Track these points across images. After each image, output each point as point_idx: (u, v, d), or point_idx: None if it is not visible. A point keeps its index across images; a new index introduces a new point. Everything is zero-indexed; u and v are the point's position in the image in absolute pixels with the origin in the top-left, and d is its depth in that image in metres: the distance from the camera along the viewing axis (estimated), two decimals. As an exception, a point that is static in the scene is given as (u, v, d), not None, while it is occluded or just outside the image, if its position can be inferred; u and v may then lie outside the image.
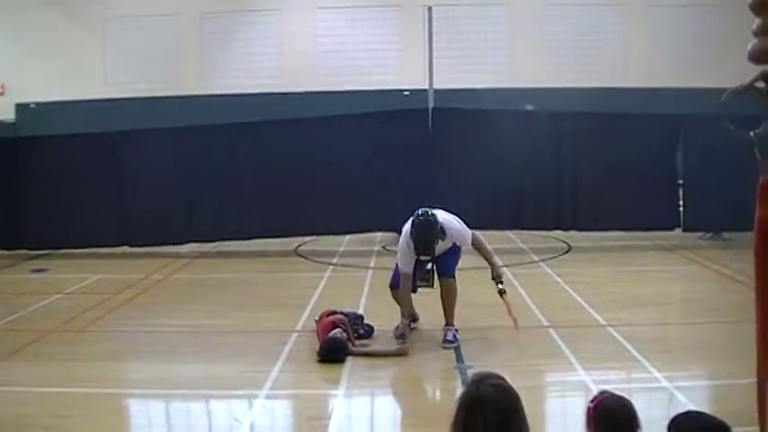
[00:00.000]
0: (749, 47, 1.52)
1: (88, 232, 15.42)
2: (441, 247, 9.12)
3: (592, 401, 3.90)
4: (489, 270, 9.30)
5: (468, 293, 11.65)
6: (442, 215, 9.19)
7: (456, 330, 9.16)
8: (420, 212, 9.03)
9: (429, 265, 9.28)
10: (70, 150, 15.86)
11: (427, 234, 8.89)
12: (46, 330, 9.87)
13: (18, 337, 9.55)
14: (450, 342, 8.96)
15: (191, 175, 15.58)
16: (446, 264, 9.34)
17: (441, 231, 8.98)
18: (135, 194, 15.55)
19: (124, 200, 15.57)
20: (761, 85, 1.48)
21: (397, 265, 9.42)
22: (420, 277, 9.36)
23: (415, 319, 9.73)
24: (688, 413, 4.07)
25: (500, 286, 9.28)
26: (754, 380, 2.88)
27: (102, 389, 7.65)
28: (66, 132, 17.68)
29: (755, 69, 1.66)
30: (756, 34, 1.48)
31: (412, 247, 8.96)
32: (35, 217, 15.46)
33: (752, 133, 1.52)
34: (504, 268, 13.34)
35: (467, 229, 9.32)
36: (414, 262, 9.12)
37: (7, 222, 15.44)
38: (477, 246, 9.40)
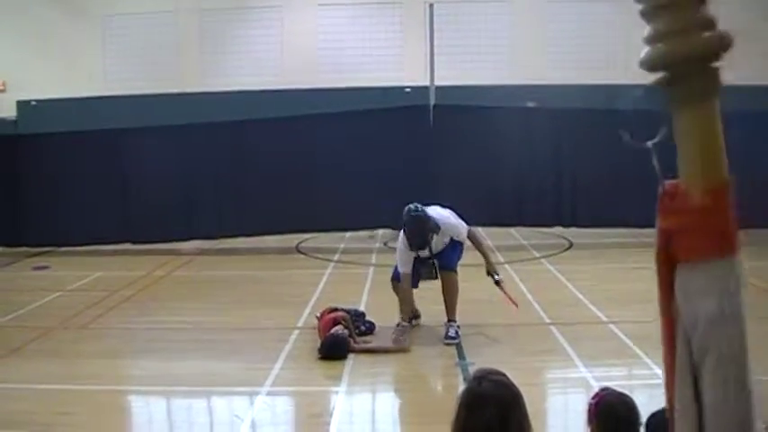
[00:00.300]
0: (642, 54, 1.53)
1: (89, 229, 15.42)
2: (438, 242, 9.19)
3: (593, 398, 3.90)
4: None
5: (470, 290, 11.66)
6: (436, 211, 9.28)
7: (458, 326, 9.18)
8: (409, 208, 9.10)
9: (430, 261, 9.28)
10: (71, 148, 15.87)
11: (419, 228, 9.00)
12: (47, 327, 9.88)
13: (19, 334, 9.56)
14: (453, 338, 8.97)
15: (192, 173, 15.58)
16: (447, 258, 9.40)
17: (435, 226, 9.05)
18: (136, 192, 15.54)
19: (125, 197, 15.57)
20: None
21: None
22: (422, 273, 9.39)
23: (416, 316, 9.78)
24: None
25: (496, 277, 9.40)
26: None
27: (104, 386, 7.66)
28: (67, 130, 17.69)
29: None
30: (649, 41, 1.49)
31: (407, 243, 9.04)
32: (36, 214, 15.45)
33: (650, 144, 1.53)
34: (506, 265, 13.42)
35: (462, 223, 9.39)
36: (412, 261, 9.19)
37: (8, 220, 15.44)
38: (473, 240, 9.50)
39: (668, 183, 1.55)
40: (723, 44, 1.44)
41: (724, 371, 1.41)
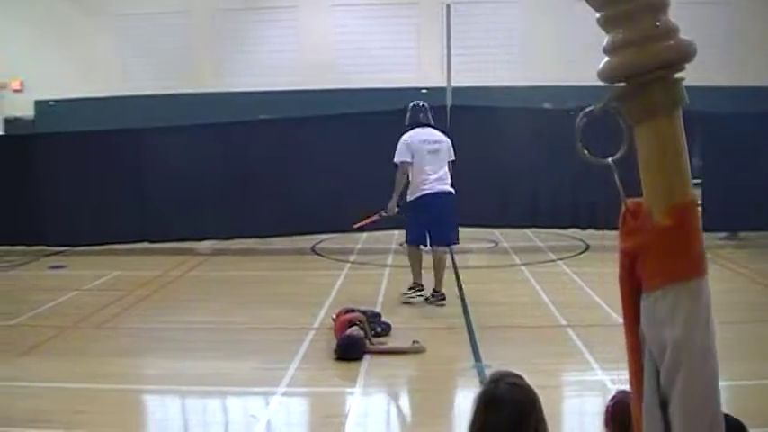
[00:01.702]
0: (600, 65, 1.46)
1: (106, 229, 15.45)
2: (439, 152, 10.95)
3: (610, 400, 3.88)
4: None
5: (486, 292, 11.68)
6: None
7: (442, 296, 10.60)
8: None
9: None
10: (88, 147, 15.91)
11: (423, 107, 11.43)
12: (63, 327, 9.92)
13: (36, 333, 9.59)
14: (435, 299, 10.54)
15: (207, 172, 15.58)
16: (442, 233, 10.80)
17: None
18: (152, 191, 15.56)
19: (141, 197, 15.59)
20: (614, 105, 1.42)
21: (410, 223, 11.04)
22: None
23: (421, 288, 10.87)
24: None
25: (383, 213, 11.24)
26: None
27: (120, 385, 7.68)
28: (84, 129, 17.76)
29: None
30: (607, 51, 1.43)
31: (410, 126, 11.10)
32: (53, 213, 15.49)
33: (610, 161, 1.45)
34: (523, 267, 13.40)
35: (402, 150, 10.94)
36: (411, 155, 10.79)
37: (26, 219, 15.48)
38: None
39: (631, 201, 1.49)
40: (684, 54, 1.40)
41: (692, 401, 1.37)
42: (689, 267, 1.40)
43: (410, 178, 10.89)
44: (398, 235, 16.30)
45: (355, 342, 8.46)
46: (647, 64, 1.38)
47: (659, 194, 1.41)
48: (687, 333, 1.34)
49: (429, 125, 11.26)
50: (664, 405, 1.39)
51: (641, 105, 1.41)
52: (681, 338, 1.34)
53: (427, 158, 10.88)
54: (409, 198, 10.91)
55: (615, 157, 1.40)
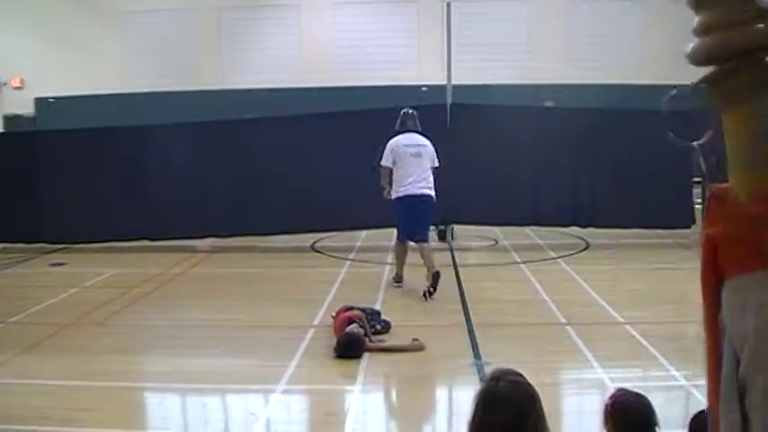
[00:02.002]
0: (689, 47, 1.41)
1: (106, 227, 15.46)
2: (422, 155, 11.79)
3: (609, 399, 3.89)
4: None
5: (486, 289, 11.69)
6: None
7: (437, 274, 11.22)
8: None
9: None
10: (88, 145, 15.91)
11: (412, 114, 12.25)
12: (64, 324, 9.92)
13: (36, 330, 9.60)
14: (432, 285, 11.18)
15: (209, 170, 15.59)
16: (416, 229, 11.79)
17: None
18: (153, 189, 15.55)
19: (142, 194, 15.57)
20: (702, 88, 1.37)
21: (400, 223, 11.98)
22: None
23: (400, 280, 12.14)
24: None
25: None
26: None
27: (120, 382, 7.68)
28: (84, 127, 17.75)
29: None
30: (698, 32, 1.37)
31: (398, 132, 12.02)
32: (53, 211, 15.50)
33: (695, 144, 1.42)
34: (522, 265, 13.43)
35: (386, 154, 11.94)
36: (393, 160, 11.80)
37: (26, 216, 15.49)
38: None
39: (716, 187, 1.40)
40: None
41: None
42: None
43: (393, 179, 11.84)
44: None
45: (355, 340, 8.46)
46: (744, 45, 1.33)
47: (748, 179, 1.33)
48: None
49: (415, 131, 12.06)
50: (742, 396, 1.35)
51: (732, 88, 1.35)
52: (765, 327, 1.28)
53: (409, 161, 11.76)
54: (393, 197, 11.85)
55: (701, 141, 1.36)
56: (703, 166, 1.39)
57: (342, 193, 15.07)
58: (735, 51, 1.31)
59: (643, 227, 15.58)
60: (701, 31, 1.34)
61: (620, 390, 4.03)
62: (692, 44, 1.37)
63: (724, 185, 1.37)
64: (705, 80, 1.34)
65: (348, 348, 8.35)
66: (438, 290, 10.90)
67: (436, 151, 12.00)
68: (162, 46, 29.02)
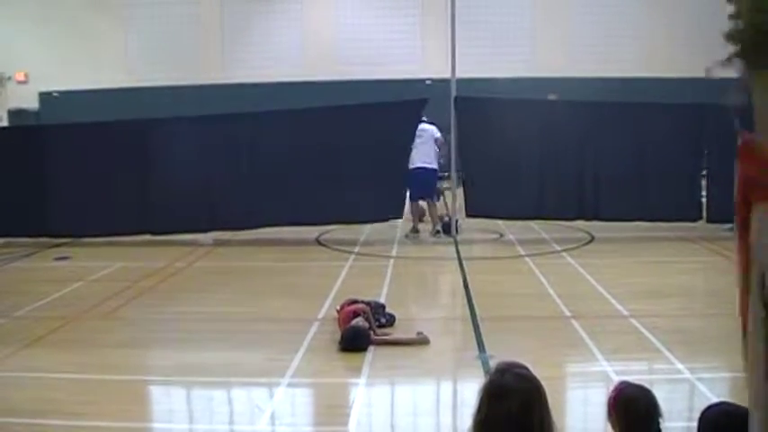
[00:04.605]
0: (726, 29, 1.62)
1: (110, 220, 15.46)
2: (423, 137, 15.84)
3: (613, 391, 3.90)
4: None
5: (491, 283, 11.69)
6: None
7: (438, 231, 15.93)
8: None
9: None
10: (92, 139, 15.92)
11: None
12: (68, 318, 9.94)
13: (41, 324, 9.61)
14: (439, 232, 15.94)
15: (212, 164, 15.58)
16: (418, 191, 16.15)
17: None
18: (157, 183, 15.54)
19: (146, 188, 15.57)
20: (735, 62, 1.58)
21: (409, 187, 15.90)
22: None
23: (417, 231, 16.13)
24: (720, 404, 4.06)
25: None
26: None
27: (125, 376, 7.70)
28: (88, 121, 17.76)
29: None
30: (732, 18, 1.57)
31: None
32: (58, 205, 15.51)
33: (729, 103, 1.62)
34: (527, 258, 13.43)
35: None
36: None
37: (30, 210, 15.50)
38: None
39: (747, 135, 1.66)
40: None
41: None
42: None
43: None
44: (402, 226, 16.40)
45: (360, 333, 8.47)
46: (760, 27, 1.54)
47: None
48: None
49: (421, 120, 15.98)
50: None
51: (756, 61, 1.58)
52: None
53: (416, 143, 15.77)
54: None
55: (734, 101, 1.63)
56: (736, 122, 1.70)
57: (347, 185, 15.07)
58: (756, 31, 1.54)
59: (650, 220, 15.55)
60: (735, 16, 1.57)
61: (622, 382, 4.04)
62: (728, 27, 1.60)
63: (753, 134, 1.64)
64: (736, 54, 1.57)
65: (354, 341, 8.36)
66: (442, 283, 10.87)
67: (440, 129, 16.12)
68: (166, 40, 29.06)
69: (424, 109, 15.93)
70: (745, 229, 1.63)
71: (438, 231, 15.94)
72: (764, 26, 1.51)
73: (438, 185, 17.16)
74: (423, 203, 16.45)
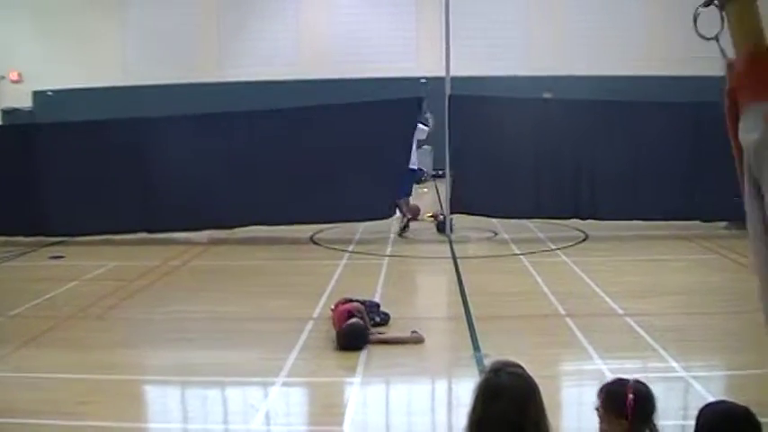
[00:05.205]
0: None
1: (105, 219, 15.42)
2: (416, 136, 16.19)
3: (605, 384, 3.97)
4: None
5: (485, 281, 11.69)
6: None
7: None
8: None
9: None
10: (87, 138, 15.87)
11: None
12: (63, 317, 9.93)
13: (36, 323, 9.60)
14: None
15: (208, 162, 15.53)
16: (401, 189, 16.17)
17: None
18: (152, 181, 15.51)
19: (141, 187, 15.53)
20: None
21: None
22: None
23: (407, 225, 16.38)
24: (719, 401, 4.12)
25: None
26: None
27: (120, 375, 7.70)
28: (82, 120, 17.73)
29: None
30: None
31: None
32: (53, 204, 15.47)
33: (713, 35, 2.02)
34: (522, 256, 13.43)
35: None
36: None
37: (25, 209, 15.45)
38: None
39: (730, 58, 1.95)
40: None
41: None
42: (764, 91, 1.87)
43: None
44: (395, 223, 16.38)
45: (359, 331, 8.46)
46: None
47: (743, 45, 1.90)
48: (763, 137, 1.84)
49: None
50: (759, 194, 1.89)
51: None
52: (762, 139, 1.84)
53: None
54: None
55: (717, 34, 1.95)
56: (720, 49, 1.96)
57: (342, 184, 15.06)
58: None
59: (644, 218, 15.55)
60: None
61: (631, 381, 4.06)
62: None
63: (734, 57, 1.94)
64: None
65: (352, 339, 8.34)
66: (437, 282, 10.88)
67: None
68: (161, 38, 29.01)
69: (421, 107, 15.95)
70: (735, 133, 1.96)
71: (406, 227, 16.44)
72: None
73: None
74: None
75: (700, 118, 15.05)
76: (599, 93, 21.47)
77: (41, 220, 15.53)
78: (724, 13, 1.97)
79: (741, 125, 1.94)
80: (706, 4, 1.97)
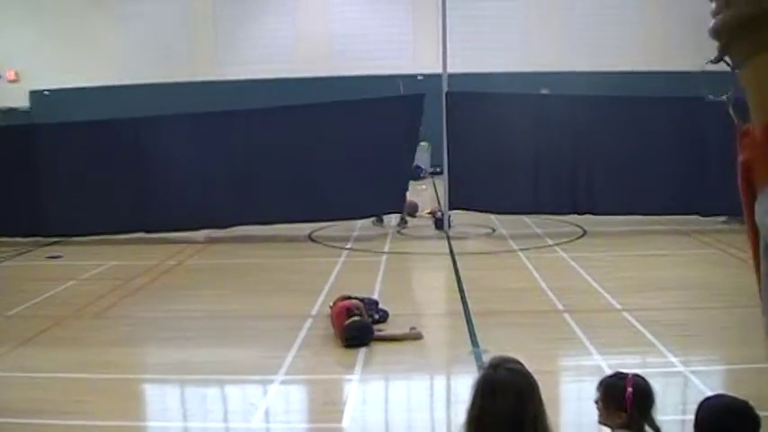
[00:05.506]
0: (709, 25, 1.72)
1: (103, 219, 15.40)
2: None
3: (629, 386, 3.98)
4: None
5: (484, 277, 11.69)
6: None
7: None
8: None
9: None
10: (85, 137, 15.86)
11: None
12: (61, 316, 9.92)
13: (34, 323, 9.59)
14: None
15: (205, 161, 15.52)
16: None
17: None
18: (149, 181, 15.50)
19: (138, 186, 15.53)
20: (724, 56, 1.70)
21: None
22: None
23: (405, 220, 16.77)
24: (718, 395, 4.14)
25: None
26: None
27: (118, 374, 7.69)
28: (80, 119, 17.71)
29: None
30: (713, 15, 1.67)
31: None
32: (50, 204, 15.45)
33: (724, 97, 1.73)
34: (520, 252, 13.43)
35: None
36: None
37: (22, 209, 15.43)
38: None
39: (744, 126, 1.75)
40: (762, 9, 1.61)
41: None
42: None
43: None
44: (394, 220, 16.38)
45: (366, 327, 8.45)
46: (739, 19, 1.61)
47: (759, 115, 1.67)
48: None
49: None
50: None
51: (739, 52, 1.65)
52: None
53: None
54: None
55: (728, 95, 1.80)
56: (732, 113, 1.78)
57: (340, 181, 15.05)
58: (737, 24, 1.62)
59: (644, 214, 15.55)
60: (716, 12, 1.63)
61: (630, 375, 4.07)
62: (711, 24, 1.66)
63: (749, 125, 1.72)
64: (721, 48, 1.65)
65: (359, 335, 8.32)
66: (435, 278, 10.88)
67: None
68: (158, 37, 28.98)
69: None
70: (751, 214, 1.76)
71: (404, 221, 16.95)
72: (744, 17, 1.60)
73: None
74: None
75: (698, 113, 15.04)
76: (597, 88, 21.46)
77: (39, 220, 15.52)
78: (738, 74, 1.74)
79: (757, 207, 1.75)
80: (715, 61, 1.75)
